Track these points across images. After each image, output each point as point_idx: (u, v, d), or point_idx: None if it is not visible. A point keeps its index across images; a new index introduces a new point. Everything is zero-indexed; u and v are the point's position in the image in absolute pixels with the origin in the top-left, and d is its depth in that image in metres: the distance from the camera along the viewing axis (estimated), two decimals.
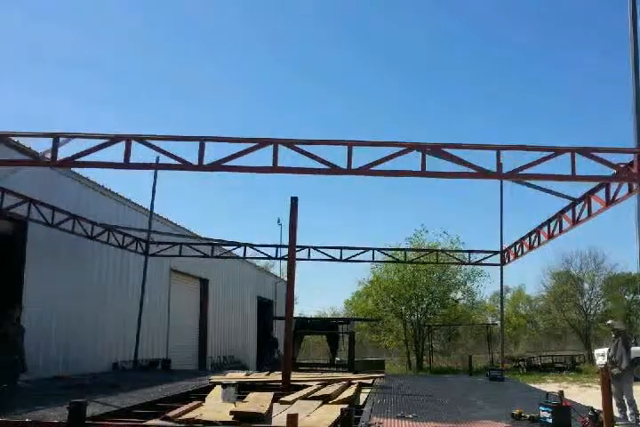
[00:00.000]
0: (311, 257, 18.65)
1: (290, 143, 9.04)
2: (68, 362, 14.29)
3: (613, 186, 10.01)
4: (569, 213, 12.12)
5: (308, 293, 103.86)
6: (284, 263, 25.38)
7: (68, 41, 70.68)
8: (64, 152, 9.15)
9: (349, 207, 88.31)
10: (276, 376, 11.93)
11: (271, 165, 8.99)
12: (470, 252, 19.35)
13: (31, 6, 65.65)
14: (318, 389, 9.84)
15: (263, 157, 9.05)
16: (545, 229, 13.77)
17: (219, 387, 9.23)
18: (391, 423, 6.93)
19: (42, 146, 9.34)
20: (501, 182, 16.94)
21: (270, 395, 8.56)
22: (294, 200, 11.16)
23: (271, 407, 7.55)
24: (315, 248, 18.58)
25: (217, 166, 9.08)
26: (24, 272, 13.12)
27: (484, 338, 37.05)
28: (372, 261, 19.34)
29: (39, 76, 75.57)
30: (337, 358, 19.96)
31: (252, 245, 18.97)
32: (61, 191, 14.37)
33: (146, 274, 17.17)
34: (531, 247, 15.11)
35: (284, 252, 18.42)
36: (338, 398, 8.78)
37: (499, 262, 18.41)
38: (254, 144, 9.06)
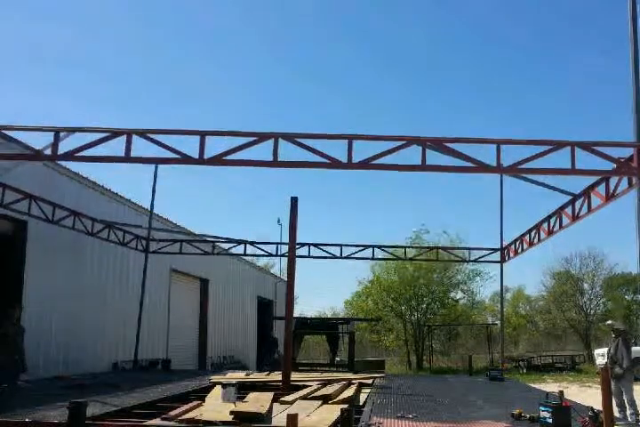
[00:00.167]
0: (311, 255, 18.63)
1: (290, 137, 9.05)
2: (68, 362, 14.29)
3: (613, 181, 9.99)
4: (569, 210, 12.09)
5: (308, 293, 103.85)
6: (284, 263, 25.40)
7: (67, 41, 70.73)
8: (64, 148, 9.14)
9: (349, 208, 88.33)
10: (276, 376, 11.93)
11: (272, 159, 9.00)
12: (470, 249, 19.33)
13: (31, 6, 65.71)
14: (318, 389, 9.84)
15: (264, 151, 9.08)
16: (545, 225, 13.74)
17: (219, 387, 9.23)
18: (391, 423, 6.93)
19: (42, 143, 9.31)
20: (501, 179, 17.02)
21: (270, 395, 8.56)
22: (294, 200, 11.18)
23: (271, 407, 7.56)
24: (315, 245, 18.57)
25: (218, 160, 9.07)
26: (24, 272, 13.13)
27: (484, 338, 37.04)
28: (372, 259, 19.33)
29: (39, 76, 75.60)
30: (337, 358, 19.95)
31: (252, 243, 18.96)
32: (61, 191, 14.37)
33: (146, 274, 17.16)
34: (531, 244, 15.09)
35: (285, 249, 18.42)
36: (338, 398, 8.78)
37: (499, 260, 18.39)
38: (255, 138, 9.07)
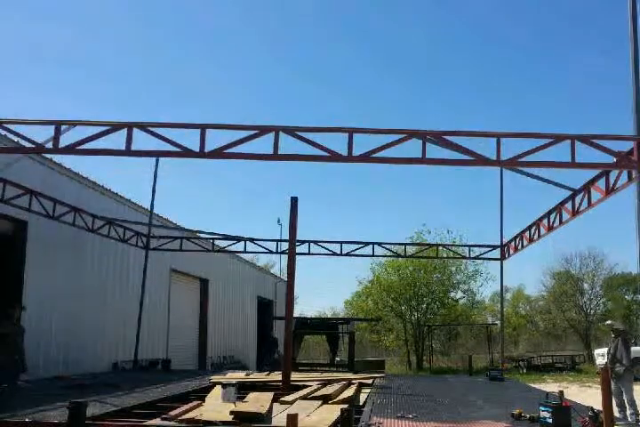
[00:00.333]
0: (311, 252, 18.60)
1: (290, 130, 9.05)
2: (68, 362, 14.29)
3: (613, 176, 9.96)
4: (569, 205, 12.06)
5: (308, 293, 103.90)
6: (284, 264, 25.36)
7: (68, 41, 70.74)
8: (65, 142, 9.12)
9: (349, 208, 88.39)
10: (276, 376, 11.92)
11: (272, 152, 8.99)
12: (470, 246, 19.31)
13: (31, 6, 65.70)
14: (318, 389, 9.84)
15: (264, 146, 9.08)
16: (545, 221, 13.70)
17: (219, 387, 9.23)
18: (391, 423, 6.93)
19: (43, 138, 9.29)
20: (501, 175, 17.12)
21: (270, 395, 8.56)
22: (294, 200, 11.18)
23: (271, 407, 7.55)
24: (315, 242, 18.55)
25: (218, 154, 9.06)
26: (24, 272, 13.12)
27: (484, 338, 37.04)
28: (373, 256, 19.30)
29: (39, 75, 75.62)
30: (337, 358, 19.95)
31: (252, 240, 18.94)
32: (61, 191, 14.35)
33: (146, 273, 17.16)
34: (531, 240, 15.06)
35: (285, 246, 18.43)
36: (338, 398, 8.77)
37: (499, 257, 18.38)
38: (255, 131, 9.07)
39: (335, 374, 13.50)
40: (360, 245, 18.77)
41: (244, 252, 19.11)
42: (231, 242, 19.15)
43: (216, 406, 7.80)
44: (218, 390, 9.10)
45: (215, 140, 9.10)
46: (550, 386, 19.92)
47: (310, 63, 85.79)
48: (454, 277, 37.31)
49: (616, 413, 9.58)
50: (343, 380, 11.35)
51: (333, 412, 7.25)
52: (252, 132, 9.07)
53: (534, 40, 76.05)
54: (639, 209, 9.22)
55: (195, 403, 7.92)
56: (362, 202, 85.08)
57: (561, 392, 7.21)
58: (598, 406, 6.38)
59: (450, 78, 79.90)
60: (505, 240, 17.85)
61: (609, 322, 13.30)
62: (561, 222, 12.73)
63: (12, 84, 69.57)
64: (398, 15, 75.55)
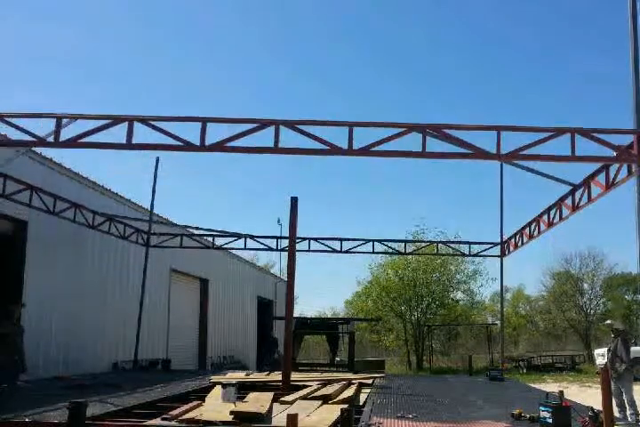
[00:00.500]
0: (311, 250, 18.59)
1: (291, 124, 9.05)
2: (68, 362, 14.28)
3: (613, 170, 9.94)
4: (568, 201, 12.04)
5: (308, 293, 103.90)
6: (284, 264, 25.32)
7: (67, 41, 70.72)
8: (66, 136, 9.12)
9: (349, 207, 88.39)
10: (276, 376, 11.92)
11: (272, 146, 8.99)
12: (470, 243, 19.30)
13: (31, 6, 65.69)
14: (318, 389, 9.84)
15: (265, 140, 9.08)
16: (545, 217, 13.67)
17: (219, 387, 9.23)
18: (391, 423, 6.93)
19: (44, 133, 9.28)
20: (502, 172, 17.20)
21: (270, 395, 8.56)
22: (294, 200, 11.19)
23: (271, 407, 7.55)
24: (315, 239, 18.54)
25: (219, 147, 9.06)
26: (24, 272, 13.12)
27: (484, 338, 37.04)
28: (372, 253, 19.27)
29: (39, 75, 75.59)
30: (337, 358, 19.94)
31: (252, 237, 18.93)
32: (60, 190, 14.34)
33: (146, 273, 17.15)
34: (531, 237, 15.03)
35: (285, 243, 18.41)
36: (338, 398, 8.77)
37: (499, 254, 18.35)
38: (256, 125, 9.06)
39: (335, 374, 13.50)
40: (360, 243, 18.76)
41: (244, 249, 19.09)
42: (231, 239, 19.11)
43: (216, 406, 7.80)
44: (218, 390, 9.10)
45: (216, 134, 9.11)
46: (550, 386, 19.92)
47: (310, 63, 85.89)
48: (454, 277, 37.31)
49: (616, 413, 9.58)
50: (343, 380, 11.35)
51: (333, 412, 7.25)
52: (253, 126, 9.06)
53: (534, 40, 76.14)
54: (639, 204, 9.13)
55: (195, 403, 7.92)
56: (362, 202, 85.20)
57: (561, 392, 7.21)
58: (598, 406, 6.38)
59: (450, 78, 79.99)
60: (505, 237, 17.85)
61: (609, 322, 13.29)
62: (561, 218, 12.69)
63: (11, 83, 69.58)
64: (398, 15, 75.60)
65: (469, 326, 42.61)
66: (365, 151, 9.03)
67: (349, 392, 9.48)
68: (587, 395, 17.53)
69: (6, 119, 9.14)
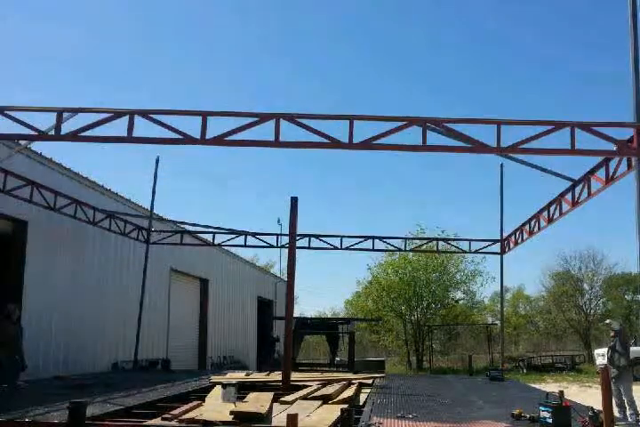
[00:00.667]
0: (311, 247, 18.52)
1: (291, 117, 9.04)
2: (68, 362, 14.29)
3: (612, 165, 9.93)
4: (568, 196, 12.01)
5: (308, 293, 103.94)
6: (284, 264, 25.32)
7: (68, 41, 70.71)
8: (67, 130, 9.10)
9: (349, 207, 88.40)
10: (276, 376, 11.91)
11: (273, 139, 8.98)
12: (470, 240, 19.31)
13: (31, 6, 65.70)
14: (318, 389, 9.84)
15: (265, 135, 9.08)
16: (545, 213, 13.63)
17: (219, 387, 9.23)
18: (391, 423, 6.92)
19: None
20: (502, 172, 17.20)
21: (270, 395, 8.55)
22: (294, 200, 11.19)
23: (271, 407, 7.54)
24: (315, 236, 18.53)
25: (219, 141, 9.04)
26: (24, 272, 13.12)
27: (484, 338, 37.04)
28: (372, 250, 19.26)
29: (39, 75, 75.59)
30: (337, 358, 19.94)
31: (252, 234, 18.92)
32: (60, 190, 14.34)
33: (146, 273, 17.14)
34: (531, 233, 14.99)
35: (285, 240, 18.40)
36: (338, 398, 8.77)
37: (499, 251, 18.33)
38: (256, 119, 9.05)
39: (335, 374, 13.49)
40: (360, 240, 18.75)
41: (245, 246, 19.05)
42: (231, 236, 19.08)
43: (216, 406, 7.80)
44: (218, 390, 9.10)
45: (217, 130, 9.10)
46: (550, 386, 19.93)
47: (310, 62, 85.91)
48: (454, 276, 37.31)
49: (616, 413, 9.58)
50: (343, 380, 11.35)
51: (333, 412, 7.25)
52: (253, 120, 9.06)
53: (534, 40, 76.11)
54: (639, 198, 9.10)
55: (195, 403, 7.92)
56: (362, 201, 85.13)
57: (561, 392, 7.20)
58: (598, 406, 6.38)
59: (450, 78, 79.97)
60: (505, 235, 17.84)
61: (608, 321, 13.29)
62: (561, 214, 12.68)
63: (11, 83, 69.59)
64: (398, 15, 75.60)
65: (469, 326, 42.60)
66: (366, 145, 9.02)
67: (349, 392, 9.48)
68: (587, 395, 17.54)
69: (7, 113, 9.12)
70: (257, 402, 7.76)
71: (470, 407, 8.60)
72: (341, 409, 6.09)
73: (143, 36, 79.63)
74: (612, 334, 12.40)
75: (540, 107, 75.84)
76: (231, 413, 6.89)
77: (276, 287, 34.83)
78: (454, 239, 19.73)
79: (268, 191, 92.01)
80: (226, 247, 23.79)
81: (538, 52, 76.09)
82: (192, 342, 23.32)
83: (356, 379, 11.78)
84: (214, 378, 12.41)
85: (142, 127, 9.09)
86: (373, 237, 18.80)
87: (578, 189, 11.51)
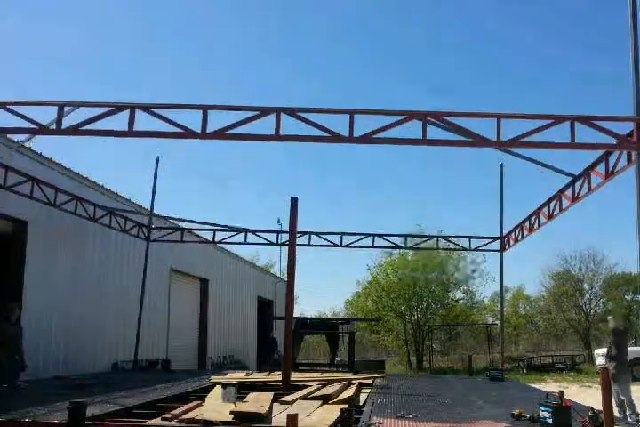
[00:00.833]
0: (312, 245, 18.53)
1: (291, 111, 9.04)
2: (68, 362, 14.28)
3: (612, 159, 9.93)
4: (568, 192, 12.02)
5: (308, 293, 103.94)
6: (284, 264, 25.31)
7: (68, 41, 70.74)
8: (68, 124, 9.09)
9: (349, 206, 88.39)
10: (276, 376, 11.91)
11: (273, 133, 8.98)
12: (470, 238, 19.33)
13: (31, 6, 65.72)
14: (318, 389, 9.84)
15: (266, 129, 9.07)
16: (545, 210, 13.63)
17: (219, 387, 9.23)
18: (391, 423, 6.92)
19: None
20: (502, 170, 17.21)
21: (270, 395, 8.55)
22: (294, 200, 11.18)
23: (271, 407, 7.54)
24: (315, 234, 18.54)
25: (220, 134, 9.04)
26: (24, 272, 13.12)
27: (484, 338, 37.03)
28: (372, 247, 19.30)
29: (39, 75, 75.59)
30: (337, 358, 19.94)
31: (252, 231, 18.92)
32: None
33: (146, 273, 17.14)
34: (531, 230, 15.00)
35: (285, 237, 18.38)
36: (338, 398, 8.77)
37: (499, 249, 18.32)
38: (257, 113, 9.05)
39: (335, 374, 13.49)
40: (360, 237, 18.74)
41: (245, 243, 19.05)
42: (231, 233, 19.08)
43: (216, 406, 7.80)
44: (218, 390, 9.09)
45: (218, 124, 9.09)
46: (550, 386, 19.92)
47: (310, 63, 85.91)
48: (453, 276, 37.34)
49: (616, 413, 9.57)
50: (343, 380, 11.35)
51: (333, 412, 7.25)
52: (254, 113, 9.05)
53: (534, 40, 76.10)
54: (639, 193, 9.07)
55: (195, 403, 7.92)
56: (361, 201, 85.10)
57: (561, 392, 7.20)
58: (598, 406, 6.38)
59: (450, 78, 79.98)
60: (505, 233, 17.84)
61: (609, 317, 13.28)
62: (561, 210, 12.68)
63: (11, 83, 69.59)
64: (398, 15, 75.62)
65: (469, 326, 42.60)
66: (366, 139, 9.03)
67: (349, 392, 9.48)
68: (587, 395, 17.54)
69: (8, 107, 9.11)
70: (257, 402, 7.76)
71: (470, 407, 8.60)
72: (341, 409, 6.10)
73: (143, 36, 79.70)
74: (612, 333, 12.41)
75: (540, 107, 75.94)
76: (231, 413, 6.89)
77: (275, 287, 34.83)
78: (454, 236, 19.72)
79: (268, 191, 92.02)
80: (226, 247, 23.80)
81: (538, 52, 76.07)
82: (192, 342, 23.32)
83: (355, 379, 11.78)
84: (214, 378, 12.41)
85: (143, 121, 9.11)
86: (374, 235, 18.81)
87: (578, 185, 11.52)
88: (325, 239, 18.67)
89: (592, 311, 46.42)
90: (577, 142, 8.94)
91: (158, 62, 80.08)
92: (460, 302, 39.68)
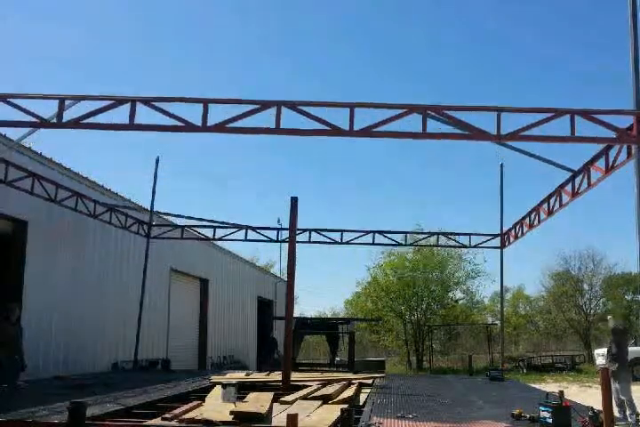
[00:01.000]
0: (312, 242, 18.50)
1: (292, 105, 9.03)
2: (68, 362, 14.29)
3: (612, 153, 9.92)
4: (568, 187, 11.99)
5: (308, 293, 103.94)
6: (284, 264, 25.31)
7: (68, 41, 70.74)
8: (69, 118, 9.08)
9: (349, 206, 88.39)
10: (276, 376, 11.92)
11: (274, 127, 8.98)
12: (470, 235, 19.34)
13: (31, 6, 65.72)
14: (318, 389, 9.84)
15: (266, 123, 9.05)
16: (545, 206, 13.62)
17: (219, 387, 9.23)
18: (391, 423, 6.92)
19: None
20: (502, 168, 17.19)
21: (270, 395, 8.56)
22: (294, 200, 11.19)
23: (271, 407, 7.54)
24: (315, 231, 18.51)
25: (221, 128, 9.03)
26: (24, 272, 13.12)
27: (484, 338, 37.03)
28: (372, 244, 19.28)
29: (39, 75, 75.58)
30: (337, 358, 19.95)
31: (252, 228, 18.92)
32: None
33: (146, 273, 17.13)
34: (531, 226, 14.99)
35: (285, 234, 18.35)
36: (338, 398, 8.78)
37: (499, 246, 18.31)
38: (257, 106, 9.05)
39: (335, 374, 13.50)
40: (360, 234, 18.72)
41: (245, 240, 19.04)
42: (231, 231, 19.06)
43: (216, 406, 7.80)
44: (218, 390, 9.10)
45: (218, 118, 9.07)
46: (550, 386, 19.92)
47: (310, 62, 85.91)
48: (453, 276, 37.32)
49: (616, 413, 9.57)
50: (343, 380, 11.35)
51: (333, 412, 7.25)
52: (255, 107, 9.05)
53: (534, 40, 76.12)
54: (639, 187, 9.03)
55: (195, 403, 7.92)
56: (361, 201, 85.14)
57: (561, 392, 7.20)
58: (598, 406, 6.39)
59: (450, 78, 79.98)
60: (504, 229, 17.83)
61: (609, 317, 13.28)
62: (561, 205, 12.66)
63: (11, 83, 69.62)
64: (398, 15, 75.63)
65: (469, 326, 42.61)
66: (366, 132, 9.02)
67: (349, 392, 9.48)
68: (587, 395, 17.53)
69: (9, 100, 9.10)
70: (257, 402, 7.77)
71: (470, 407, 8.60)
72: (341, 409, 6.10)
73: (143, 36, 79.73)
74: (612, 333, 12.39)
75: (539, 106, 75.72)
76: (231, 413, 6.90)
77: (275, 287, 34.83)
78: (454, 233, 19.71)
79: (267, 191, 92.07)
80: (226, 247, 23.79)
81: (538, 52, 76.10)
82: (192, 342, 23.32)
83: (356, 379, 11.79)
84: (214, 378, 12.41)
85: (144, 115, 9.09)
86: (374, 232, 18.81)
87: (578, 180, 11.50)
88: (326, 236, 18.67)
89: (592, 311, 46.43)
90: (577, 136, 8.95)
91: (158, 62, 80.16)
92: (460, 302, 39.71)
